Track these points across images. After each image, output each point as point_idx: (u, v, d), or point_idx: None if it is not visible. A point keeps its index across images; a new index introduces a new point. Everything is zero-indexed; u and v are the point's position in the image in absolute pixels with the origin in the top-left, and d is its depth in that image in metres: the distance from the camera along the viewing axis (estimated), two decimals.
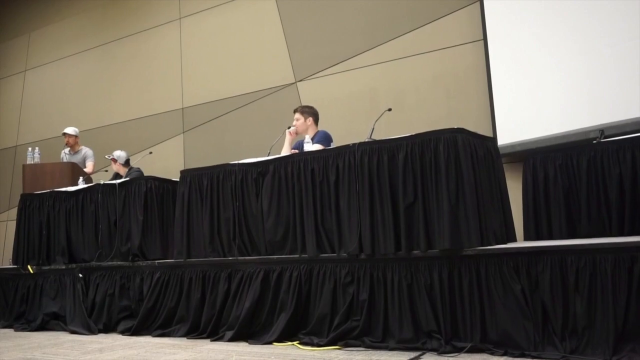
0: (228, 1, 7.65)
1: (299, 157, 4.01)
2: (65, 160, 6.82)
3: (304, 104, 5.68)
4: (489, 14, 5.55)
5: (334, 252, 3.74)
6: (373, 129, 4.09)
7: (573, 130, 4.85)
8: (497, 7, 5.51)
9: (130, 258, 4.86)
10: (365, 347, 3.41)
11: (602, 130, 4.51)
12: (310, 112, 4.83)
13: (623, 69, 4.66)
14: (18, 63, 9.99)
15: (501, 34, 5.46)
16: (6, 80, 10.12)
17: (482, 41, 5.61)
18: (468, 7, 5.83)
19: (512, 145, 5.22)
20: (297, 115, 4.84)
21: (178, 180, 4.68)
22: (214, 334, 4.11)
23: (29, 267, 5.47)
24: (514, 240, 3.83)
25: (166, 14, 8.23)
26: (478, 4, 5.69)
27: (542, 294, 3.00)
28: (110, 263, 4.97)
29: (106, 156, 6.44)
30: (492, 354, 3.05)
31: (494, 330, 3.10)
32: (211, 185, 4.40)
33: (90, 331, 4.78)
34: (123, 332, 4.65)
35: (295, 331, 3.78)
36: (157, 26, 8.32)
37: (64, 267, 5.25)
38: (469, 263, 3.23)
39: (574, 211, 4.28)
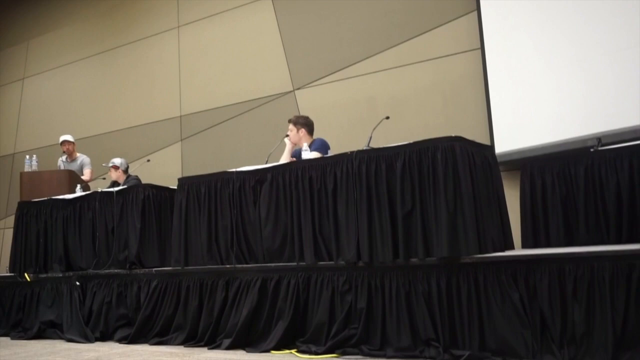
0: (226, 10, 7.68)
1: (297, 165, 4.01)
2: (62, 168, 6.81)
3: (301, 112, 5.68)
4: (486, 23, 5.58)
5: (331, 260, 3.74)
6: (371, 137, 4.10)
7: (570, 139, 4.87)
8: (494, 16, 5.54)
9: (127, 266, 4.85)
10: (363, 356, 3.40)
11: (600, 139, 4.50)
12: (303, 123, 4.77)
13: (620, 77, 4.68)
14: (16, 71, 10.00)
15: (498, 42, 5.48)
16: (4, 88, 10.13)
17: (479, 50, 5.64)
18: (465, 16, 5.87)
19: (509, 154, 5.23)
20: (290, 126, 4.79)
21: (176, 188, 4.67)
22: (212, 342, 4.10)
23: (26, 275, 5.44)
24: (512, 248, 3.83)
25: (165, 22, 8.26)
26: (475, 13, 5.72)
27: (541, 302, 3.00)
28: (107, 271, 4.95)
29: (104, 164, 6.44)
30: None
31: (492, 339, 3.10)
32: (209, 193, 4.39)
33: (87, 339, 4.76)
34: (120, 341, 4.63)
35: (292, 339, 3.77)
36: (155, 34, 8.35)
37: (61, 275, 5.23)
38: (467, 271, 3.23)
39: (572, 219, 4.28)
